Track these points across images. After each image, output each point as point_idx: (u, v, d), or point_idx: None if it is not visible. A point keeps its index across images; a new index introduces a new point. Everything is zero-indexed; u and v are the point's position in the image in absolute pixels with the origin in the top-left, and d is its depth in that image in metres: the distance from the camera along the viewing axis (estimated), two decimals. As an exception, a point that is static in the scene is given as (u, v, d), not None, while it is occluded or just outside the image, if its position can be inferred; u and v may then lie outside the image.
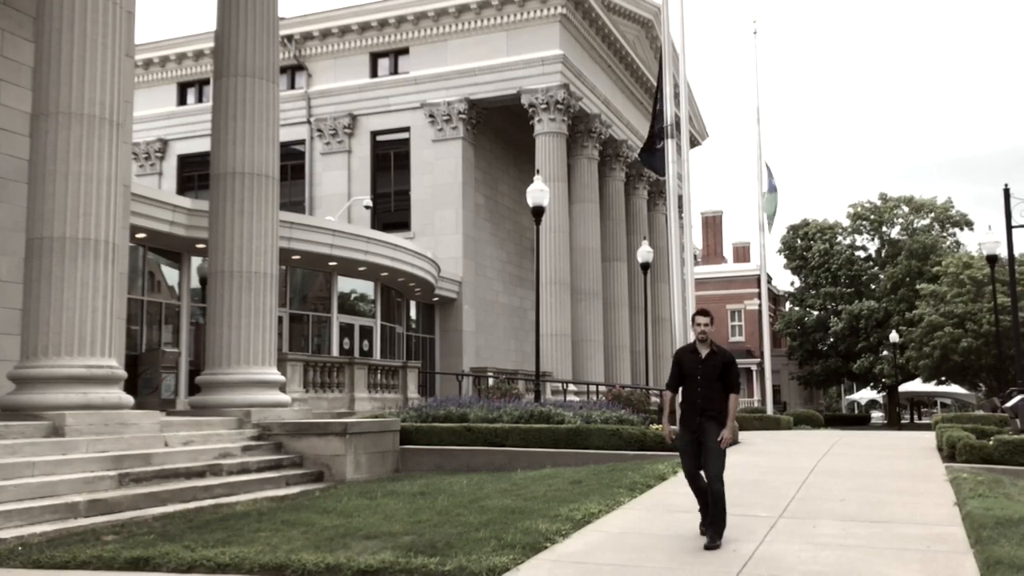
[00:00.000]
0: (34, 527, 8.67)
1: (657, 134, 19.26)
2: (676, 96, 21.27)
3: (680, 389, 8.12)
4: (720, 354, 8.00)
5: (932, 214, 58.15)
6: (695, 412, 7.89)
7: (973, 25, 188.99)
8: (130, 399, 12.25)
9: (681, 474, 12.78)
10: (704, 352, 7.98)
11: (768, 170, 34.96)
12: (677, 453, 14.40)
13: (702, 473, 7.92)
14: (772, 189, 35.08)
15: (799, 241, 59.95)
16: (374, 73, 35.82)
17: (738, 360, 53.56)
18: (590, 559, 7.30)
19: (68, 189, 11.70)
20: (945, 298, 47.01)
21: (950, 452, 14.85)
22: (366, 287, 28.50)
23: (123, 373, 12.35)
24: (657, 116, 19.37)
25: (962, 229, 58.40)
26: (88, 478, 10.10)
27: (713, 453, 7.73)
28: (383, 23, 35.03)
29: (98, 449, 10.89)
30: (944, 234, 57.82)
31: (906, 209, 58.52)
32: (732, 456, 15.43)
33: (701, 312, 8.12)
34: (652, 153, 19.57)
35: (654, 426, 16.04)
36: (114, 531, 8.72)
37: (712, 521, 7.76)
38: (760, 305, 45.47)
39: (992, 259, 29.63)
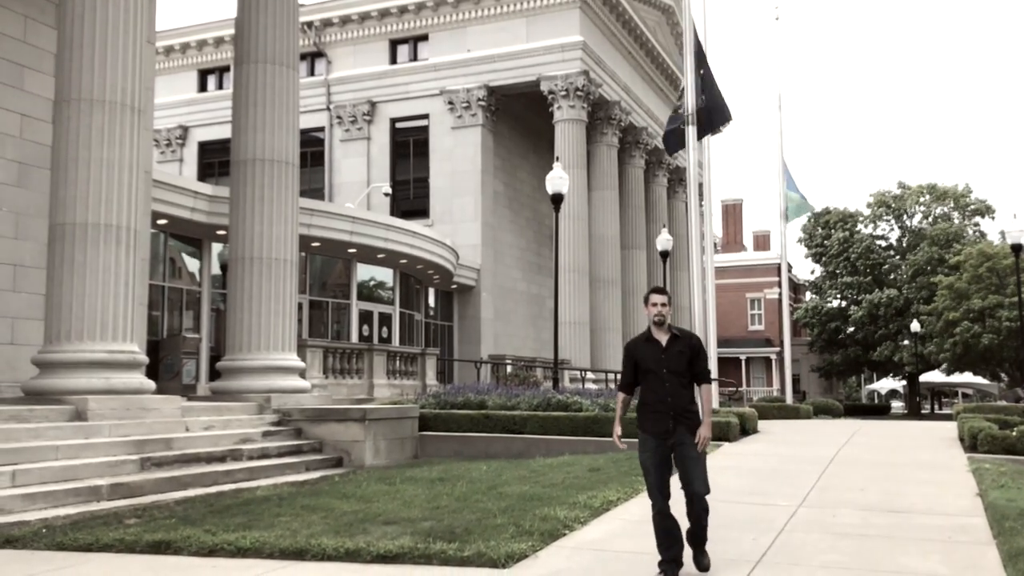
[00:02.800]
0: (58, 510, 8.77)
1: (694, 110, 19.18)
2: (697, 83, 21.06)
3: (639, 389, 6.55)
4: (685, 338, 6.45)
5: (953, 202, 57.50)
6: (666, 416, 6.27)
7: (995, 9, 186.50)
8: (151, 384, 12.36)
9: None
10: (664, 339, 6.40)
11: (785, 167, 34.77)
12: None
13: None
14: (792, 188, 34.90)
15: (819, 229, 59.47)
16: (393, 60, 35.79)
17: (758, 349, 53.69)
18: (609, 546, 7.30)
19: (90, 175, 11.77)
20: (966, 294, 46.46)
21: (972, 442, 14.76)
22: (385, 274, 28.57)
23: (144, 358, 12.45)
24: (703, 89, 19.18)
25: (983, 217, 57.73)
26: (110, 462, 10.20)
27: (696, 463, 6.27)
28: (402, 9, 34.98)
29: (120, 433, 10.99)
30: (966, 223, 57.16)
31: (928, 197, 57.90)
32: (752, 445, 15.47)
33: (657, 290, 6.59)
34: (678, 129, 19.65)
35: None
36: (136, 514, 8.80)
37: (697, 541, 6.45)
38: (780, 294, 45.24)
39: (1017, 248, 29.26)
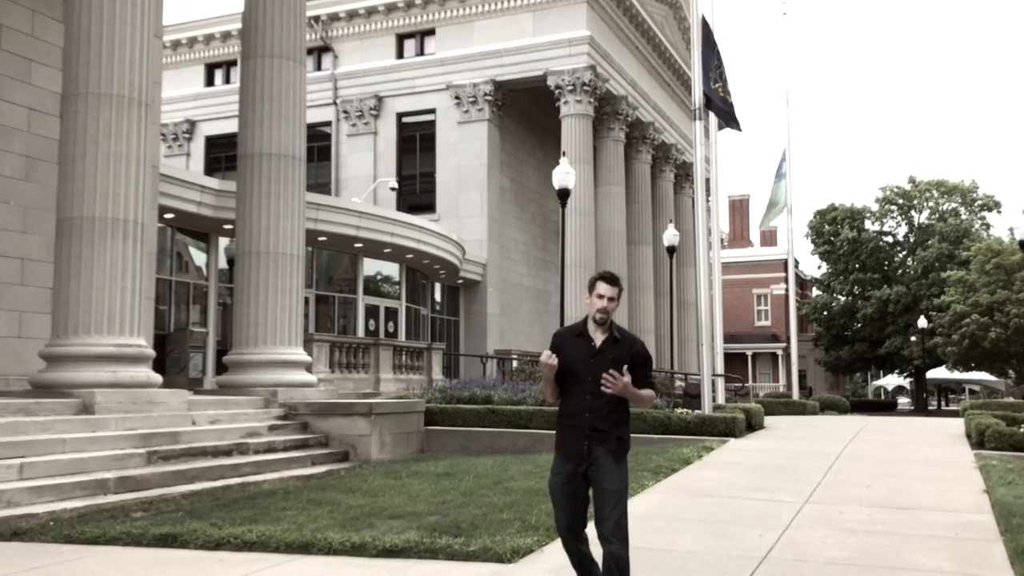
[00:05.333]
0: (65, 503, 8.80)
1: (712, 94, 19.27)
2: (704, 78, 21.01)
3: (563, 389, 5.09)
4: (626, 343, 5.02)
5: (960, 197, 57.38)
6: (581, 434, 4.95)
7: (1005, 4, 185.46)
8: (158, 378, 12.38)
9: (708, 456, 12.73)
10: (599, 339, 5.00)
11: (783, 157, 34.73)
12: (702, 437, 14.51)
13: (589, 531, 5.10)
14: (780, 177, 34.86)
15: (826, 226, 59.33)
16: (400, 54, 35.76)
17: (764, 345, 53.34)
18: (614, 542, 7.29)
19: (98, 169, 11.79)
20: (974, 287, 46.39)
21: (979, 439, 14.73)
22: (391, 269, 28.59)
23: (151, 352, 12.47)
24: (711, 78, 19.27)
25: (991, 211, 57.59)
26: (117, 455, 10.23)
27: (612, 496, 4.88)
28: (409, 4, 34.95)
29: (127, 427, 11.02)
30: (974, 218, 57.03)
31: (936, 193, 57.74)
32: (758, 441, 15.45)
33: (606, 278, 5.06)
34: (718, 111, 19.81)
35: (678, 410, 16.01)
36: (143, 508, 8.83)
37: None
38: (787, 290, 45.15)
39: (1025, 244, 29.10)
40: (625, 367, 4.90)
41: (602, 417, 4.94)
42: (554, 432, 5.14)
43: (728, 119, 20.14)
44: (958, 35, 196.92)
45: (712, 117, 20.77)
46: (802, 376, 52.78)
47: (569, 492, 5.00)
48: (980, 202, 57.19)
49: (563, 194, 21.18)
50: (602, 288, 5.01)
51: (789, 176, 34.87)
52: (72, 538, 7.46)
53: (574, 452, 4.97)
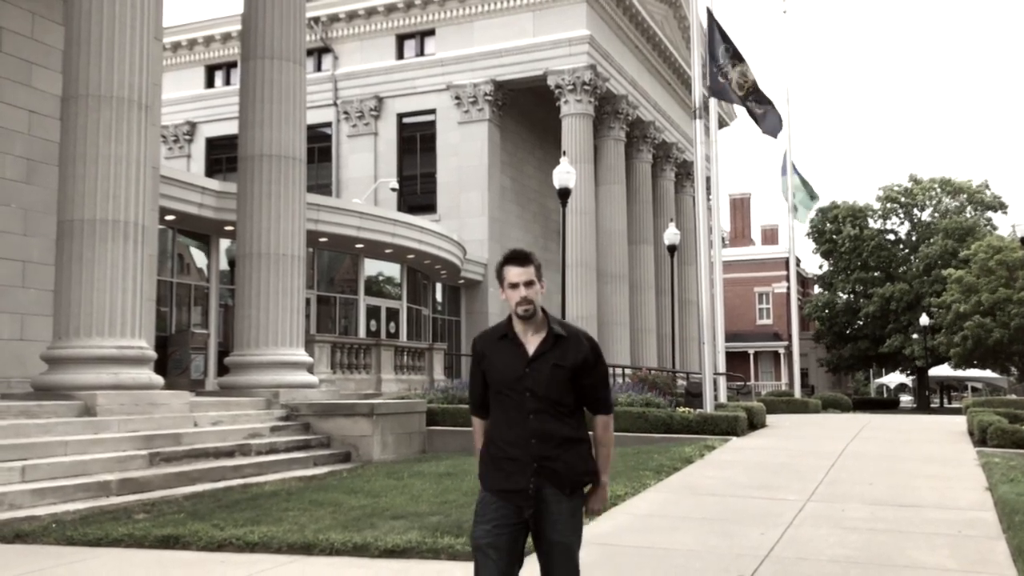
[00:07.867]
0: (67, 505, 8.80)
1: (750, 97, 19.30)
2: (704, 76, 21.00)
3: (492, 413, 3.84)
4: (571, 341, 3.75)
5: (965, 195, 57.27)
6: (524, 468, 3.65)
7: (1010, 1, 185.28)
8: (160, 379, 12.38)
9: (710, 455, 12.69)
10: (534, 341, 3.75)
11: (785, 155, 34.75)
12: (703, 435, 14.47)
13: None
14: (794, 172, 34.85)
15: (828, 224, 59.26)
16: (400, 55, 35.75)
17: (766, 344, 53.12)
18: (615, 540, 7.30)
19: (98, 171, 11.79)
20: (975, 288, 46.27)
21: (981, 436, 14.73)
22: (392, 269, 28.59)
23: (153, 354, 12.48)
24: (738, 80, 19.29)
25: (995, 211, 57.49)
26: (119, 457, 10.24)
27: (563, 552, 3.68)
28: (409, 4, 34.94)
29: (129, 429, 11.03)
30: (979, 217, 56.94)
31: (940, 191, 57.64)
32: (761, 439, 15.45)
33: (513, 259, 3.77)
34: (758, 117, 19.85)
35: (680, 409, 16.00)
36: (145, 509, 8.83)
37: None
38: (788, 288, 45.11)
39: (1026, 241, 29.06)
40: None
41: (555, 443, 3.65)
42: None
43: (757, 118, 20.12)
44: (959, 32, 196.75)
45: (713, 116, 20.75)
46: (804, 374, 52.77)
47: (506, 546, 3.63)
48: (987, 202, 57.09)
49: (564, 193, 21.18)
50: (512, 274, 3.72)
51: (790, 174, 34.84)
52: (74, 540, 7.47)
53: (515, 493, 3.64)
